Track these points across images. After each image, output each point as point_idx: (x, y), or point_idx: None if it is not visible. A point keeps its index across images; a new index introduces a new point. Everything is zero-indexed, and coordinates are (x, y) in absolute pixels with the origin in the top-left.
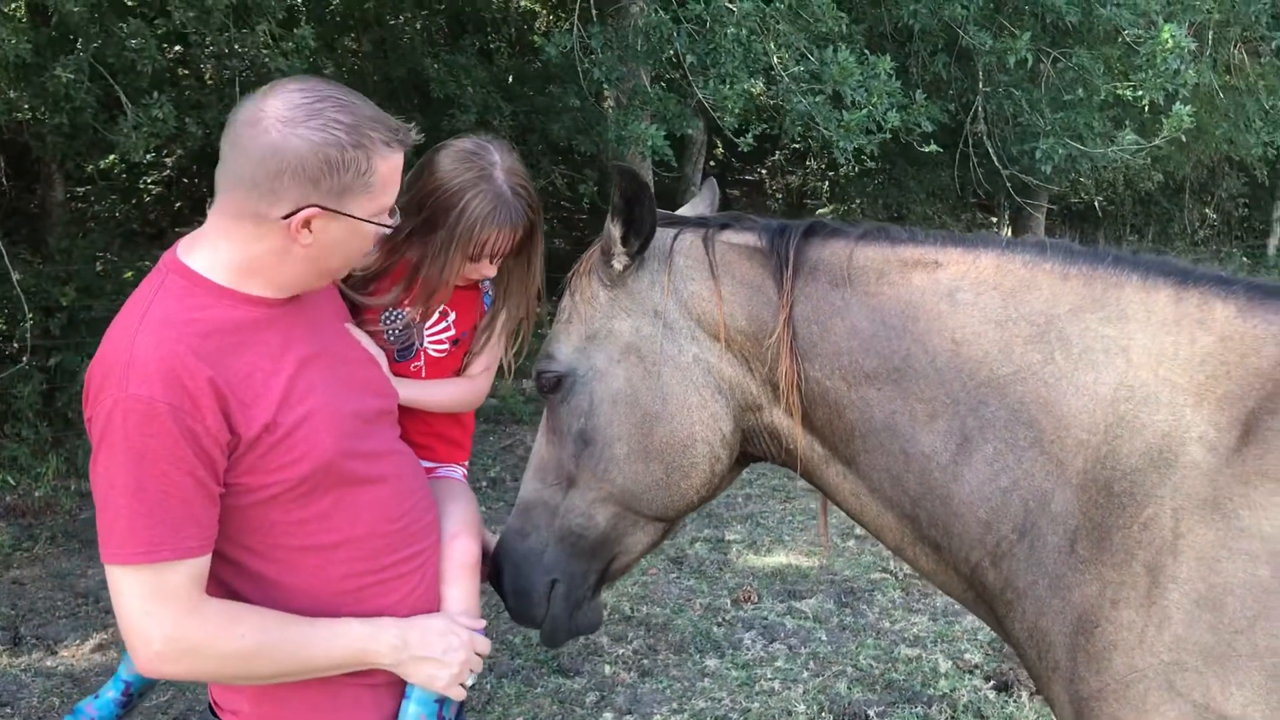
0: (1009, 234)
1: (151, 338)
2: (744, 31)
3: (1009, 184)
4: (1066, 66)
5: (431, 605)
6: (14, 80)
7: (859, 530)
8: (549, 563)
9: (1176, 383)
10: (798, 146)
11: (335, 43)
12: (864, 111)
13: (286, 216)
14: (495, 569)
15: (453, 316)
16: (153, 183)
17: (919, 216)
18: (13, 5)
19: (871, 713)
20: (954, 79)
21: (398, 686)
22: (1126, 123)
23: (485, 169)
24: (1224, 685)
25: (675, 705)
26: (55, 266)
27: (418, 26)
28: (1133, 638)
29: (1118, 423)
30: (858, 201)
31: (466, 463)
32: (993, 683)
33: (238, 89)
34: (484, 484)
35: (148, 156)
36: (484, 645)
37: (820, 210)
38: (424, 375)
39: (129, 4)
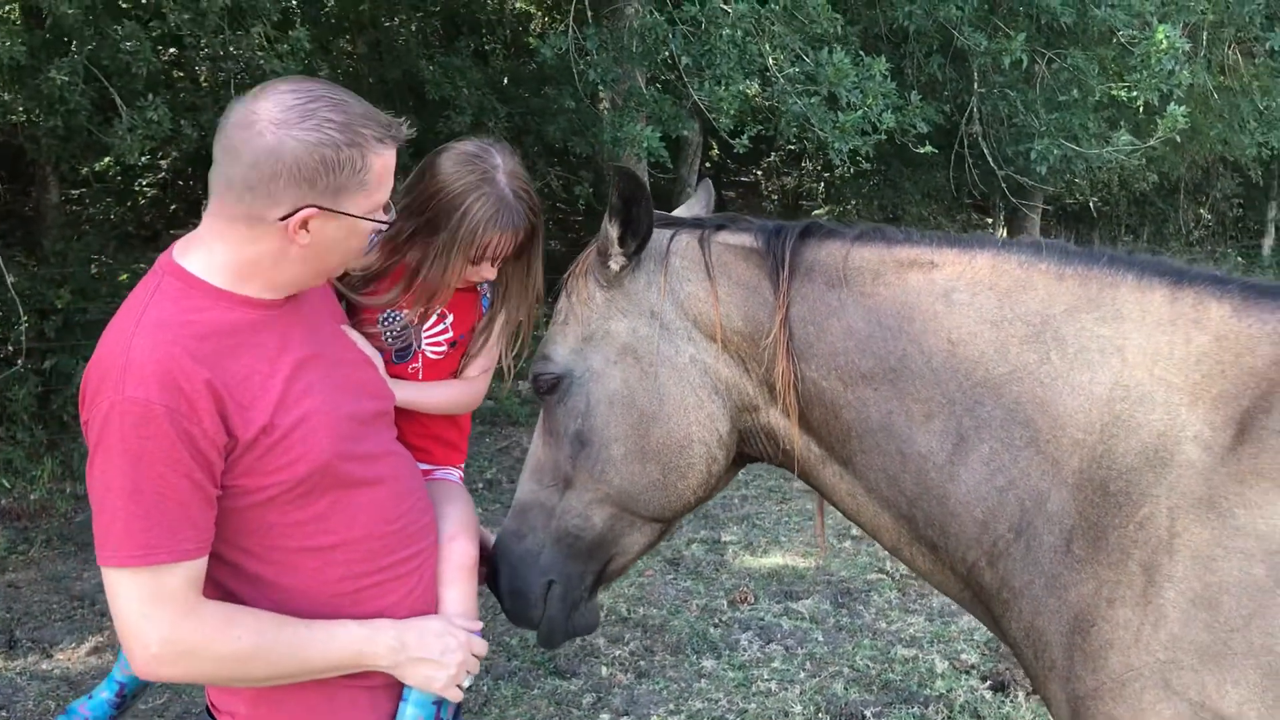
0: (1004, 235)
1: (148, 340)
2: (739, 33)
3: (1004, 185)
4: (1061, 67)
5: (429, 607)
6: (8, 83)
7: (855, 531)
8: (546, 564)
9: (1172, 382)
10: (793, 148)
11: (330, 45)
12: (859, 113)
13: (284, 218)
14: (492, 570)
15: (450, 318)
16: (148, 185)
17: (914, 218)
18: (7, 7)
19: (868, 713)
20: (949, 80)
21: (395, 688)
22: (1121, 123)
23: (488, 172)
24: (1220, 683)
25: (672, 706)
26: (50, 269)
27: (413, 28)
28: (1129, 636)
29: (1113, 422)
30: (853, 203)
31: (463, 465)
32: (989, 683)
33: (233, 91)
34: (480, 486)
35: (143, 159)
36: (481, 647)
37: (816, 211)
38: (421, 377)
39: (123, 6)
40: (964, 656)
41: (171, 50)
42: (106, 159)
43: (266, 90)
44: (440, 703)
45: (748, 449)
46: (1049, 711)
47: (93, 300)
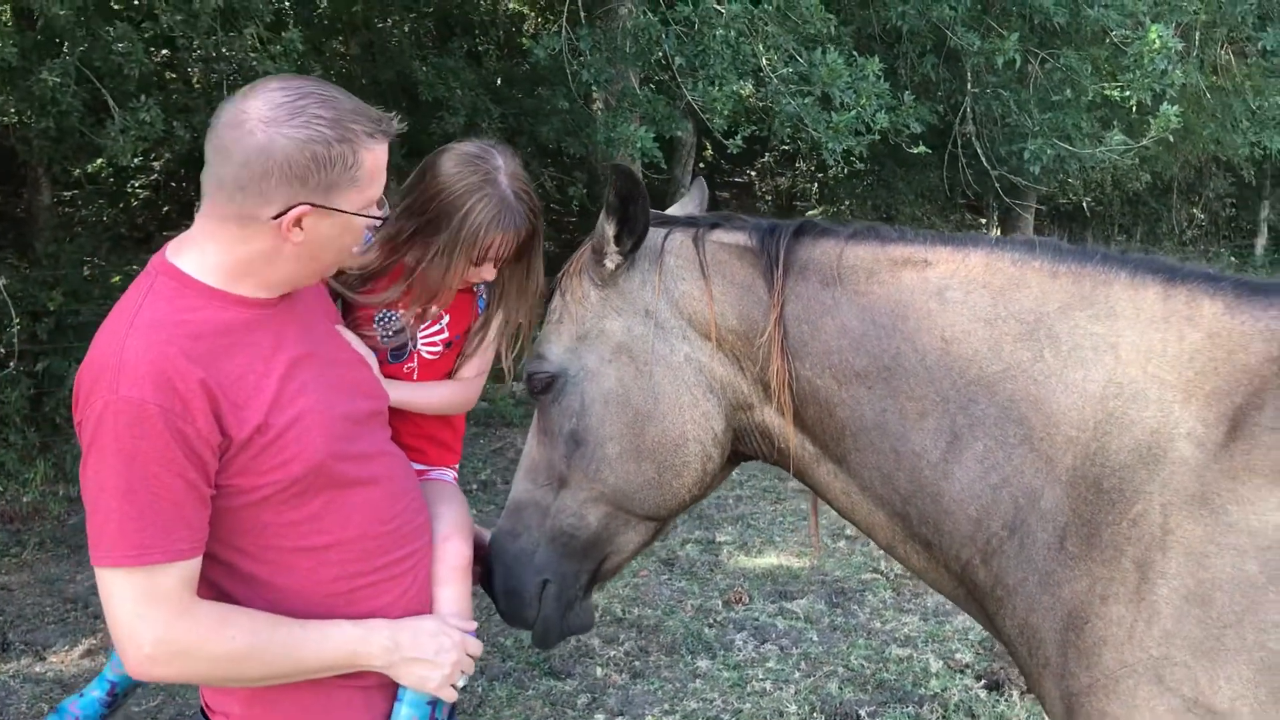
0: (998, 234)
1: (141, 340)
2: (732, 33)
3: (997, 185)
4: (1054, 67)
5: (423, 607)
6: (0, 84)
7: (850, 530)
8: (540, 563)
9: (1165, 379)
10: (787, 148)
11: (323, 46)
12: (853, 113)
13: (276, 216)
14: (486, 570)
15: (446, 319)
16: (140, 187)
17: (908, 217)
18: None
19: (863, 713)
20: (942, 80)
21: (389, 688)
22: (1114, 123)
23: (490, 173)
24: (1213, 679)
25: (667, 706)
26: (42, 271)
27: (406, 29)
28: (1122, 633)
29: (1107, 419)
30: (847, 203)
31: (457, 465)
32: (984, 682)
33: (225, 92)
34: (474, 487)
35: (135, 160)
36: (476, 647)
37: (810, 212)
38: (416, 377)
39: (115, 7)
40: (959, 656)
41: (164, 51)
42: (99, 160)
43: (256, 89)
44: (435, 703)
45: (742, 447)
46: (1043, 709)
47: (85, 302)
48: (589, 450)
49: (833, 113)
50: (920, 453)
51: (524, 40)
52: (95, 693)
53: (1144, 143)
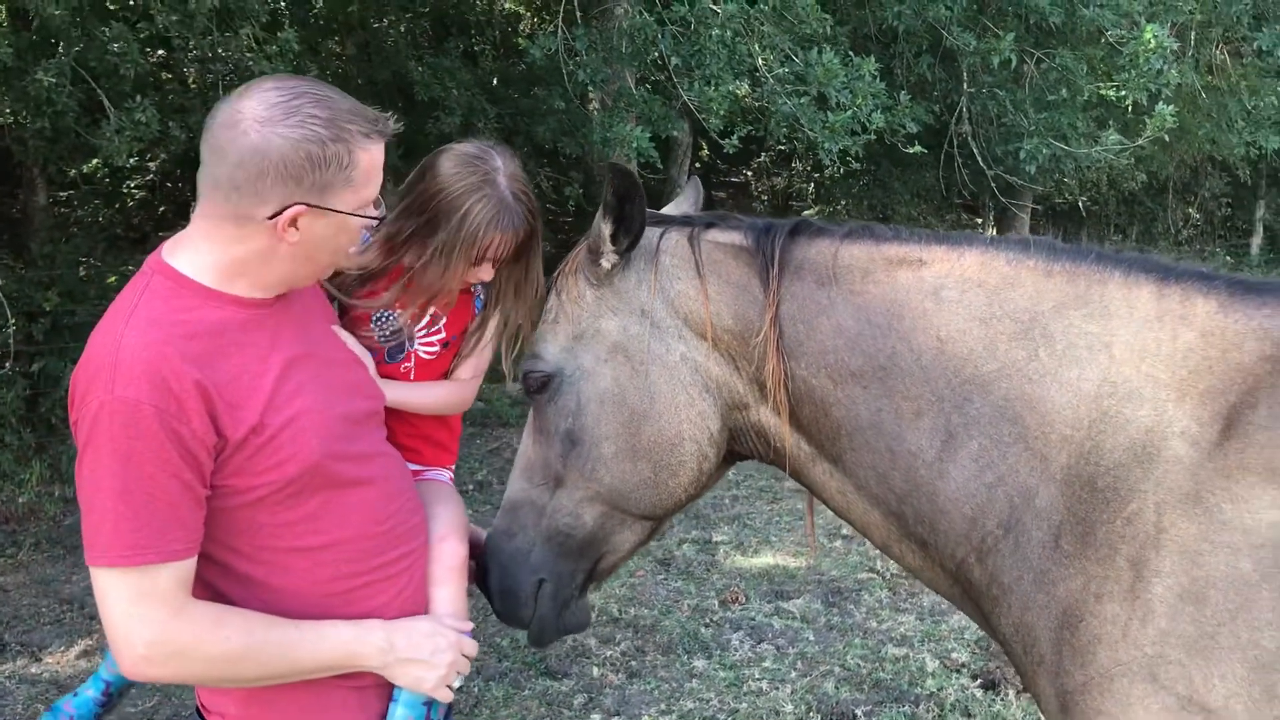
0: (993, 234)
1: (137, 340)
2: (728, 33)
3: (994, 184)
4: (1050, 67)
5: (419, 607)
6: None
7: (846, 530)
8: (536, 562)
9: (1159, 378)
10: (783, 148)
11: (319, 46)
12: (849, 113)
13: (272, 216)
14: (482, 569)
15: (444, 319)
16: (136, 187)
17: (904, 217)
18: None
19: (859, 712)
20: (938, 80)
21: (385, 688)
22: (1110, 123)
23: (489, 174)
24: (1206, 677)
25: (663, 706)
26: (38, 271)
27: (402, 29)
28: (1116, 631)
29: (1101, 418)
30: (843, 203)
31: (453, 466)
32: (980, 681)
33: (221, 93)
34: (470, 487)
35: (131, 161)
36: (471, 647)
37: (806, 212)
38: (413, 377)
39: (111, 7)
40: (955, 655)
41: (160, 52)
42: (94, 161)
43: (251, 89)
44: (430, 703)
45: (738, 447)
46: (1038, 707)
47: (81, 302)
48: (585, 450)
49: (829, 113)
50: (916, 452)
51: (520, 40)
52: (90, 692)
53: (1139, 142)
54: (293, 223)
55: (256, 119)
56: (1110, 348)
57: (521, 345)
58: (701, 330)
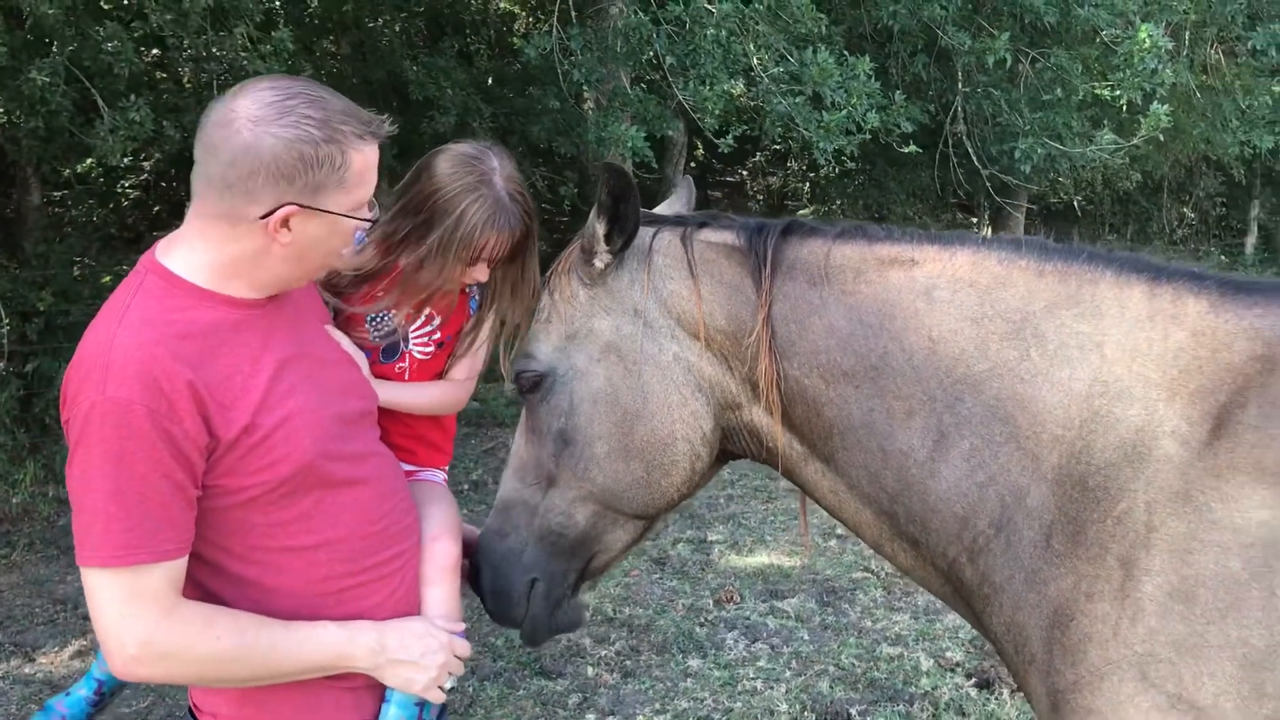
0: (989, 234)
1: (130, 339)
2: (723, 33)
3: (988, 184)
4: (1045, 66)
5: (412, 607)
6: None
7: (841, 530)
8: (528, 562)
9: (1150, 378)
10: (778, 148)
11: (314, 45)
12: (844, 112)
13: (264, 216)
14: (474, 569)
15: (439, 320)
16: (130, 187)
17: (899, 217)
18: None
19: (854, 711)
20: (933, 79)
21: (378, 689)
22: (1105, 122)
23: (485, 174)
24: (1196, 676)
25: (658, 706)
26: (32, 271)
27: (396, 29)
28: (1107, 630)
29: (1092, 418)
30: (838, 202)
31: (447, 467)
32: (974, 680)
33: (215, 92)
34: (466, 487)
35: (125, 160)
36: (463, 648)
37: (801, 211)
38: (408, 377)
39: (105, 7)
40: (949, 654)
41: (154, 51)
42: (88, 160)
43: (246, 88)
44: (422, 704)
45: (731, 446)
46: (1030, 705)
47: (75, 302)
48: (577, 449)
49: (824, 112)
50: (907, 451)
51: (515, 40)
52: (82, 691)
53: (1134, 142)
54: (285, 223)
55: (250, 118)
56: (1102, 347)
57: (518, 346)
58: (694, 330)
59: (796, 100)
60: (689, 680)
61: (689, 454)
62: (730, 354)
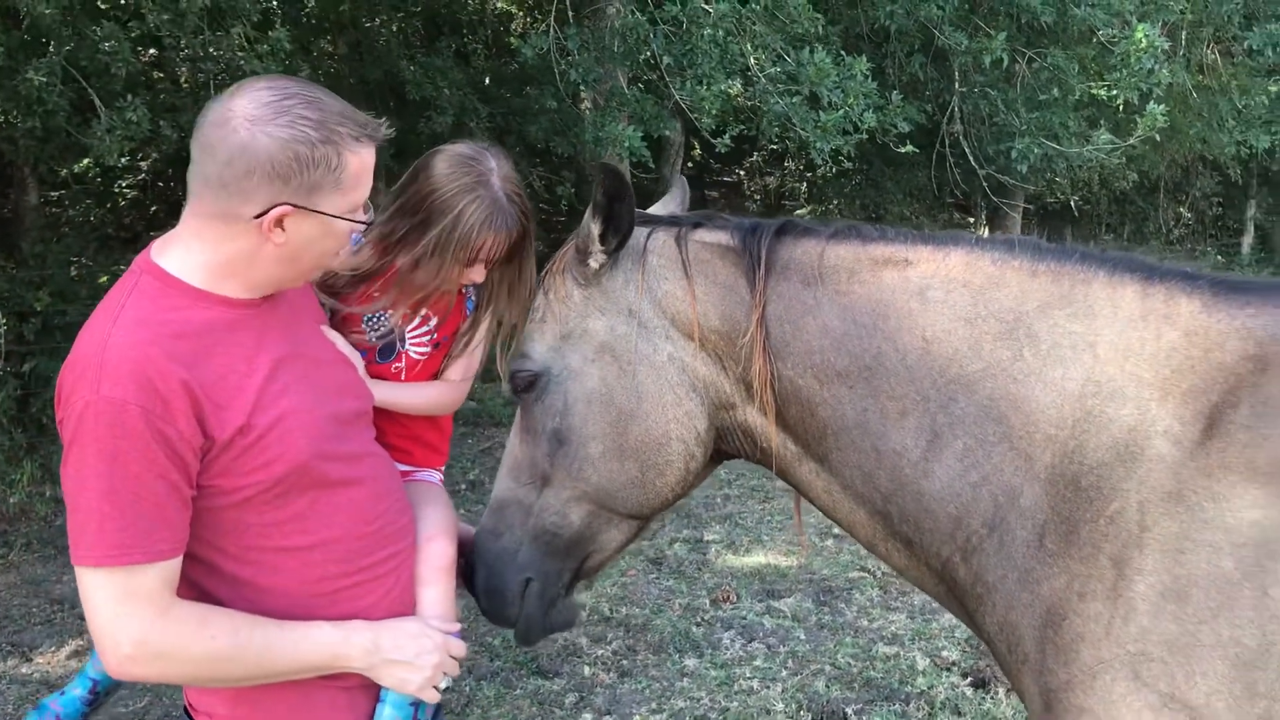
0: (986, 233)
1: (124, 339)
2: (720, 32)
3: (985, 184)
4: (1042, 66)
5: (407, 608)
6: None
7: (837, 529)
8: (523, 561)
9: (1142, 377)
10: (775, 147)
11: (311, 45)
12: (840, 112)
13: (258, 216)
14: (469, 568)
15: (435, 320)
16: (128, 187)
17: (896, 217)
18: None
19: (849, 711)
20: (930, 79)
21: (373, 689)
22: (1101, 122)
23: (483, 175)
24: (1188, 675)
25: (654, 705)
26: (29, 271)
27: (394, 29)
28: (1099, 629)
29: (1085, 418)
30: (835, 202)
31: (443, 467)
32: (970, 680)
33: (212, 92)
34: (463, 487)
35: (122, 160)
36: (458, 648)
37: (798, 211)
38: (404, 377)
39: (102, 7)
40: (945, 653)
41: (151, 51)
42: (85, 160)
43: (243, 88)
44: (417, 704)
45: (725, 446)
46: (1023, 704)
47: (72, 302)
48: (572, 449)
49: (820, 112)
50: (901, 451)
51: (512, 39)
52: (77, 690)
53: (1131, 142)
54: (279, 223)
55: (247, 117)
56: (1094, 347)
57: (515, 346)
58: (688, 330)
59: (793, 100)
60: (685, 680)
61: (683, 454)
62: (724, 354)
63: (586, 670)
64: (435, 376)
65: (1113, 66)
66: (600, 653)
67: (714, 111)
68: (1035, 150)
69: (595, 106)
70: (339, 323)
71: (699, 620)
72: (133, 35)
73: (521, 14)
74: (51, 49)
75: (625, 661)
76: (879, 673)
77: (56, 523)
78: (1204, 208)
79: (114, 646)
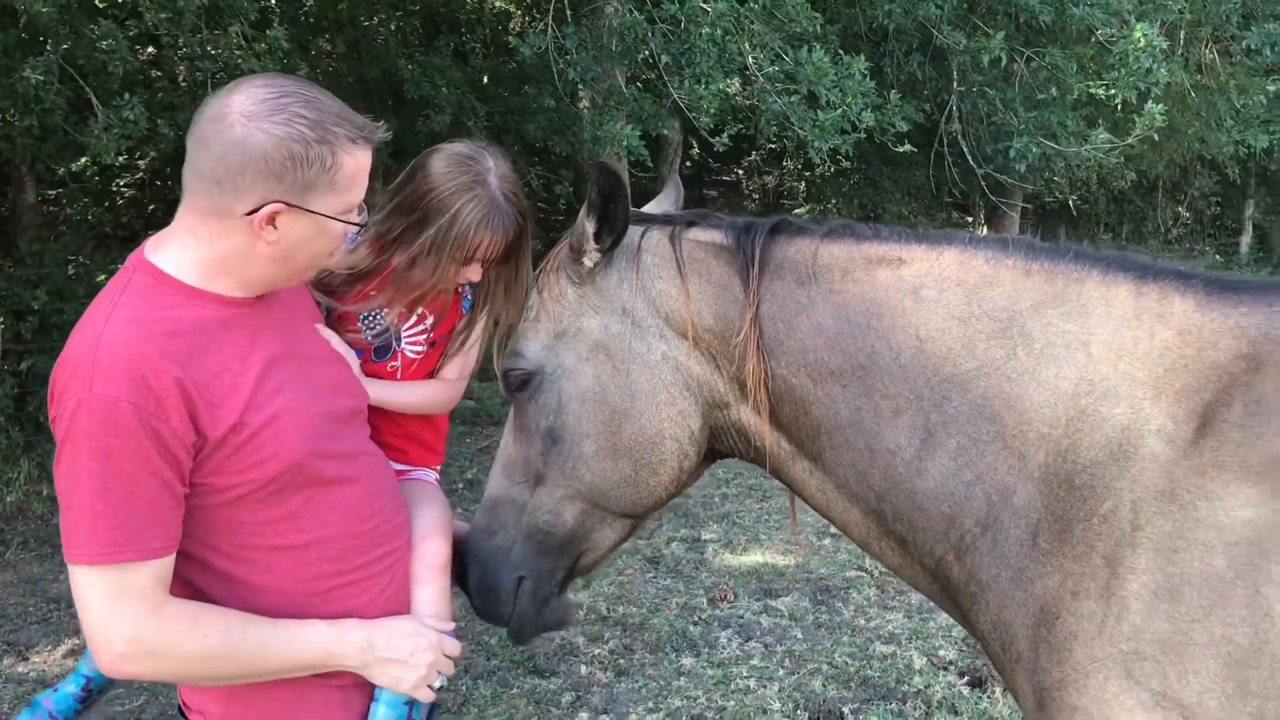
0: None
1: (117, 337)
2: (719, 31)
3: (984, 183)
4: (1040, 66)
5: (401, 606)
6: None
7: (834, 529)
8: (516, 560)
9: (1136, 376)
10: (774, 146)
11: (309, 44)
12: (839, 111)
13: (250, 213)
14: (461, 567)
15: (431, 319)
16: (125, 185)
17: (894, 216)
18: None
19: (846, 710)
20: (928, 79)
21: (367, 687)
22: (1099, 121)
23: (480, 174)
24: (1181, 674)
25: (651, 704)
26: (26, 270)
27: (392, 28)
28: (1092, 628)
29: (1079, 417)
30: (833, 201)
31: (439, 466)
32: (967, 679)
33: (210, 91)
34: (460, 486)
35: (120, 159)
36: (453, 647)
37: (796, 210)
38: (400, 376)
39: (99, 5)
40: (942, 653)
41: (148, 49)
42: (83, 159)
43: (242, 85)
44: (411, 703)
45: (719, 445)
46: (1017, 703)
47: (69, 301)
48: (565, 448)
49: (819, 111)
50: (894, 450)
51: (510, 38)
52: (70, 687)
53: (1129, 141)
54: (271, 221)
55: (243, 113)
56: (1088, 346)
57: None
58: (682, 329)
59: (791, 99)
60: (682, 679)
61: (677, 453)
62: (718, 353)
63: (583, 669)
64: (431, 375)
65: (1111, 66)
66: (597, 652)
67: (712, 110)
68: (1033, 149)
69: (593, 105)
70: (335, 321)
71: (696, 619)
72: (130, 34)
73: (520, 13)
74: (49, 47)
75: (622, 660)
76: (876, 672)
77: (53, 521)
78: (1202, 207)
79: (106, 644)
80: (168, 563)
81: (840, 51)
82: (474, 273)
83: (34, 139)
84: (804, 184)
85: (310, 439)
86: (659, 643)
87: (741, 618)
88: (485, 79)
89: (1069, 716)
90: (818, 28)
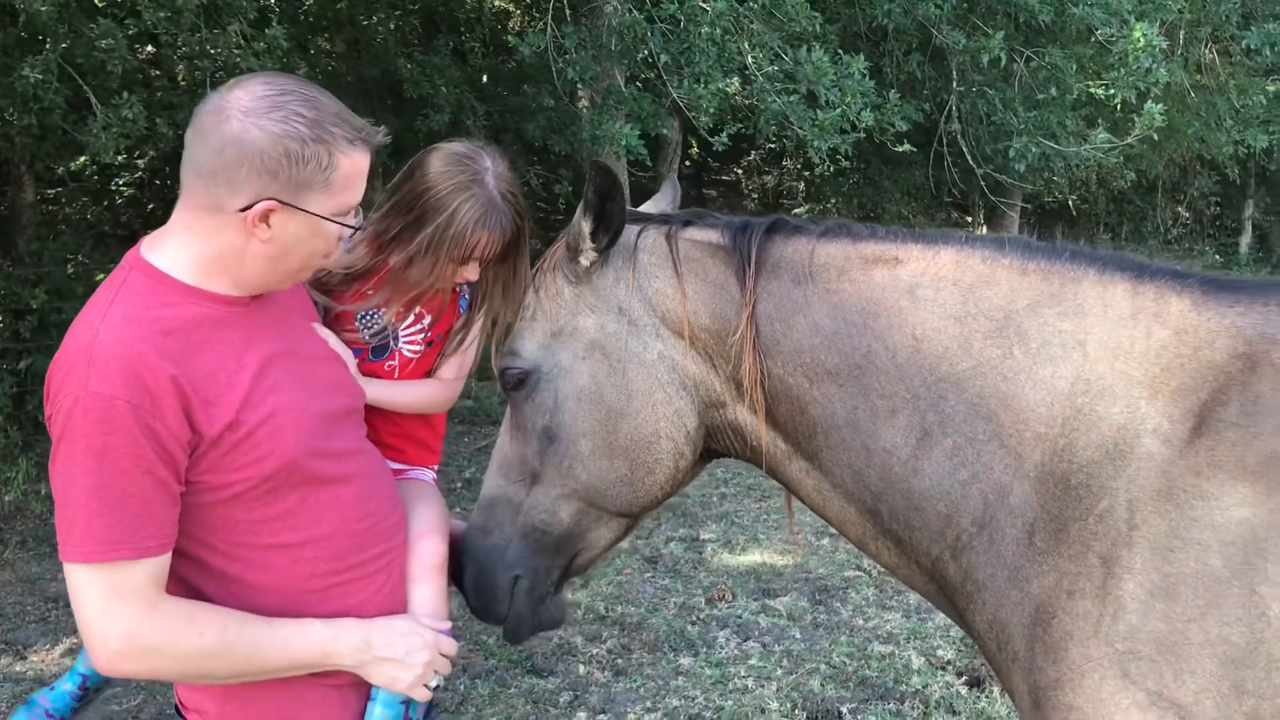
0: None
1: (113, 335)
2: (718, 31)
3: (983, 183)
4: (1039, 65)
5: (397, 605)
6: None
7: (833, 529)
8: (512, 559)
9: (1132, 376)
10: (773, 146)
11: (308, 43)
12: (838, 111)
13: (244, 209)
14: (457, 565)
15: (429, 319)
16: (124, 184)
17: (894, 216)
18: None
19: (844, 709)
20: (928, 78)
21: (364, 686)
22: (1099, 121)
23: (478, 173)
24: (1177, 673)
25: (649, 704)
26: (25, 269)
27: (391, 27)
28: (1088, 627)
29: (1075, 416)
30: (833, 201)
31: (436, 466)
32: (965, 679)
33: (209, 89)
34: (459, 485)
35: (119, 158)
36: (450, 646)
37: (796, 210)
38: (397, 375)
39: (98, 4)
40: (940, 652)
41: (148, 48)
42: (82, 158)
43: (243, 82)
44: (408, 702)
45: (715, 444)
46: (1013, 703)
47: (68, 300)
48: (562, 447)
49: (818, 111)
50: (891, 450)
51: (509, 38)
52: (66, 685)
53: (1129, 141)
54: (265, 219)
55: (241, 109)
56: (1084, 345)
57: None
58: (679, 328)
59: (791, 99)
60: (680, 678)
61: (673, 452)
62: (715, 352)
63: (581, 669)
64: (428, 375)
65: (1111, 66)
66: (595, 651)
67: (711, 110)
68: (1033, 149)
69: (593, 105)
70: (332, 320)
71: (694, 619)
72: (129, 32)
73: (519, 12)
74: (48, 46)
75: (620, 660)
76: (874, 671)
77: (51, 520)
78: (1202, 207)
79: (102, 642)
80: (163, 561)
81: (839, 51)
82: (471, 272)
83: (33, 138)
84: (803, 184)
85: (306, 438)
86: (657, 642)
87: (740, 617)
88: (484, 78)
89: (1065, 716)
90: (817, 27)
